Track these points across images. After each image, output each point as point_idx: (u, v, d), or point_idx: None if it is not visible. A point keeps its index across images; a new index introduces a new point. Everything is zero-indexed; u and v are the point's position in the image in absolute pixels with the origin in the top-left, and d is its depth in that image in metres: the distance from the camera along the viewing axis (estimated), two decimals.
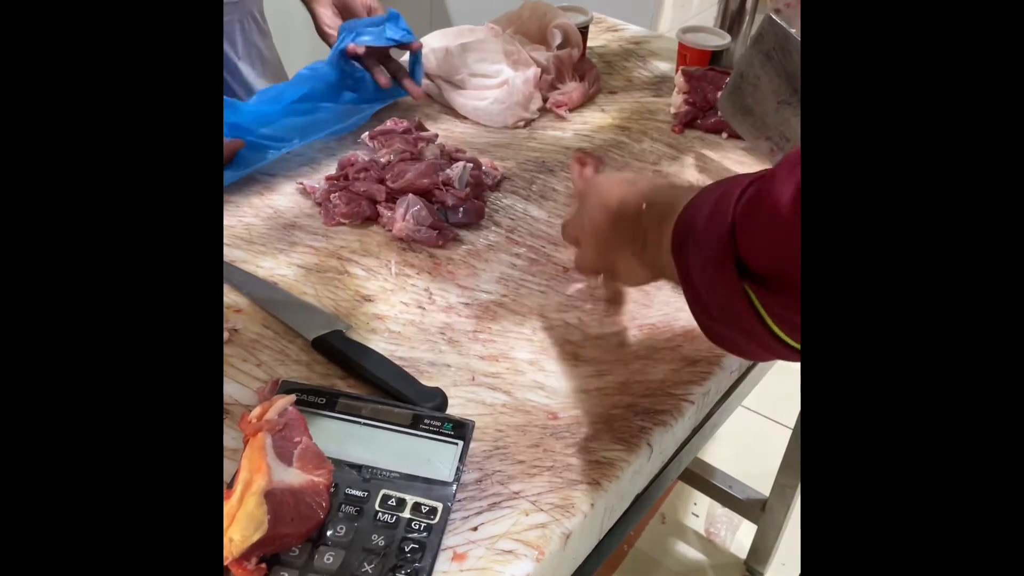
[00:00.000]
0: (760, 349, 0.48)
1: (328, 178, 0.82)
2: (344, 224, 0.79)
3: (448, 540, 0.51)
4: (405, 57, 0.98)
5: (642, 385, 0.64)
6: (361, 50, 0.93)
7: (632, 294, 0.73)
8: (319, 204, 0.80)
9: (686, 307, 0.71)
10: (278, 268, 0.73)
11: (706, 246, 0.47)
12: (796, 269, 0.37)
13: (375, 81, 0.94)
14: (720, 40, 1.01)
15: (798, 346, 0.45)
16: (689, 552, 1.45)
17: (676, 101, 0.97)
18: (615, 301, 0.72)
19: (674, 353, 0.68)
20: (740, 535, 1.46)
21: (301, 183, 0.83)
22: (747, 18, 1.16)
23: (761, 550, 1.39)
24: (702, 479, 1.38)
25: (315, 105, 0.89)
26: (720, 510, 1.47)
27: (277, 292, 0.70)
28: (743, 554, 1.43)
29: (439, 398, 0.60)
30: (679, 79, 0.96)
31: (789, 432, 1.26)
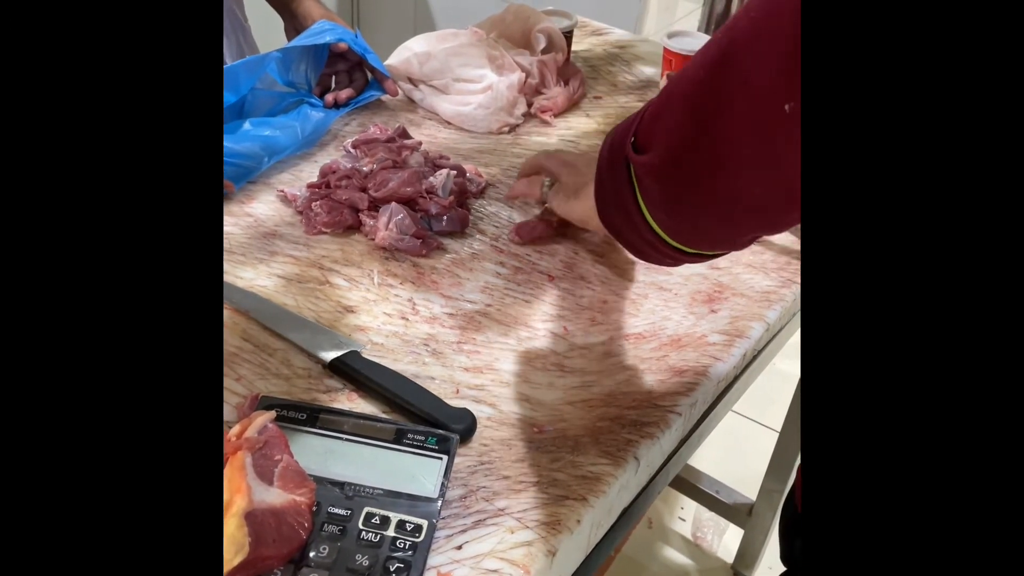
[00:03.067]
0: (631, 230, 0.56)
1: (309, 186, 0.81)
2: (326, 233, 0.77)
3: (432, 559, 0.51)
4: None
5: (628, 396, 0.64)
6: (344, 48, 0.93)
7: (619, 303, 0.72)
8: (300, 212, 0.79)
9: (673, 315, 0.71)
10: (258, 279, 0.72)
11: (616, 132, 0.57)
12: (672, 137, 0.49)
13: (325, 93, 0.94)
14: None
15: (657, 228, 0.54)
16: (676, 557, 1.44)
17: None
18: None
19: (660, 363, 0.67)
20: (727, 539, 1.46)
21: (282, 190, 0.82)
22: None
23: (748, 554, 1.39)
24: (688, 483, 1.38)
25: (271, 128, 0.86)
26: (707, 514, 1.46)
27: (273, 306, 0.69)
28: (730, 558, 1.43)
29: (468, 419, 0.59)
30: (664, 84, 0.96)
31: (775, 435, 1.26)
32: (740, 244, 0.55)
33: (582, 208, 0.69)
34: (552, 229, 0.79)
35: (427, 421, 0.59)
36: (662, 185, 0.51)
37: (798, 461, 1.22)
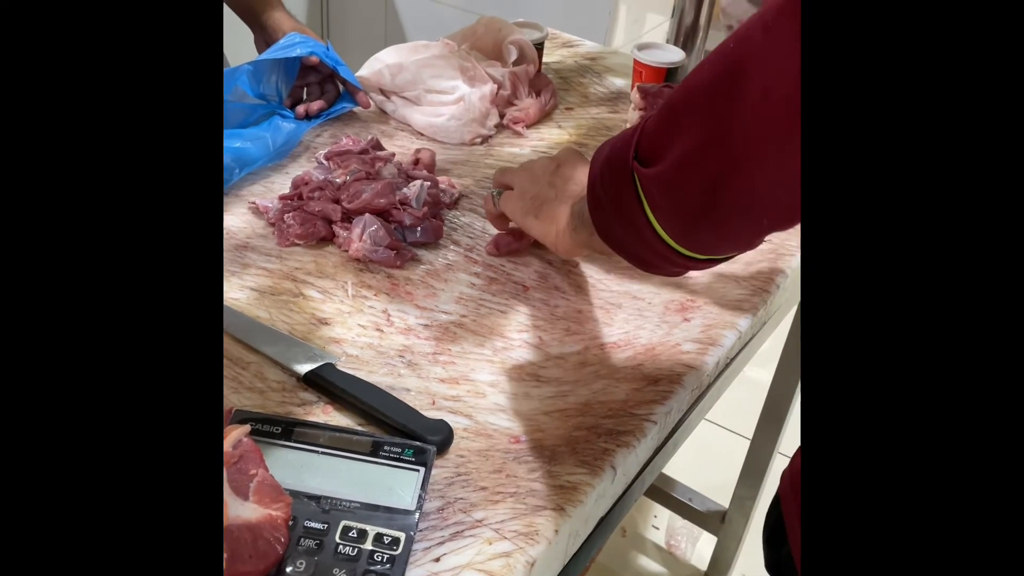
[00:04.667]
0: (640, 244, 0.56)
1: (281, 197, 0.80)
2: (299, 245, 0.77)
3: (410, 572, 0.50)
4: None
5: (604, 406, 0.64)
6: (316, 61, 0.93)
7: (593, 312, 0.73)
8: (272, 224, 0.79)
9: (646, 324, 0.72)
10: (230, 291, 0.71)
11: (613, 149, 0.57)
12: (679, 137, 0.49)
13: (297, 104, 0.94)
14: (675, 57, 1.02)
15: (669, 239, 0.53)
16: (650, 565, 1.45)
17: (632, 118, 0.97)
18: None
19: (635, 372, 0.67)
20: (700, 547, 1.47)
21: (253, 202, 0.81)
22: (701, 33, 1.17)
23: (721, 562, 1.40)
24: (662, 492, 1.38)
25: (242, 139, 0.85)
26: (680, 522, 1.47)
27: (246, 319, 0.68)
28: (703, 566, 1.43)
29: (445, 431, 0.59)
30: (635, 96, 0.97)
31: (748, 443, 1.27)
32: (755, 244, 0.55)
33: (543, 228, 0.69)
34: (529, 242, 0.79)
35: (403, 433, 0.58)
36: (678, 196, 0.51)
37: (774, 467, 1.23)
